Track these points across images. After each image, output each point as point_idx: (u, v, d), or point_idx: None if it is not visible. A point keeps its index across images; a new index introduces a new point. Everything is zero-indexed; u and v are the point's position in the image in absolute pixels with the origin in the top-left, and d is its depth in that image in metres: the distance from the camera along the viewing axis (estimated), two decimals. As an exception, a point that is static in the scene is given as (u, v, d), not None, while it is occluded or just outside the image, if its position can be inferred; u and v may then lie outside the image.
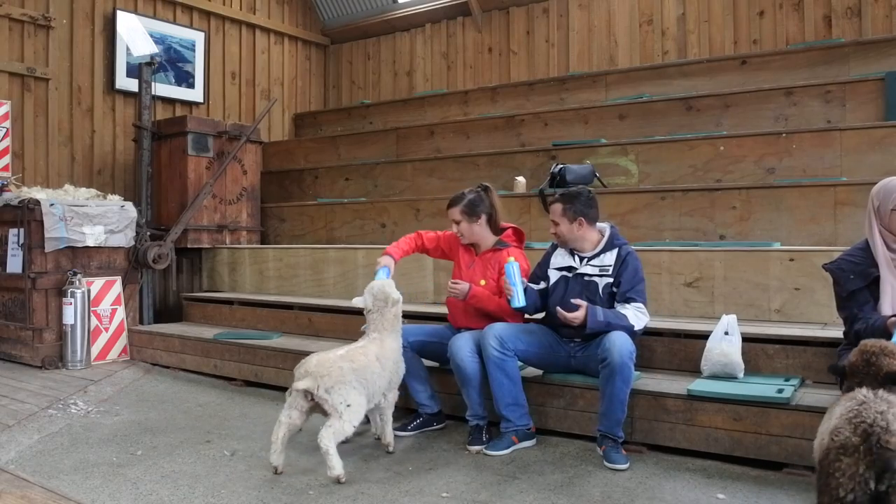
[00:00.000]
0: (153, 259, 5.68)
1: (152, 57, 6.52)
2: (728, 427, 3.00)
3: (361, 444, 3.40)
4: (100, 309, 5.32)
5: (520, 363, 3.34)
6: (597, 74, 6.82)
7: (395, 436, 3.36)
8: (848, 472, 1.79)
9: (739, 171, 4.94)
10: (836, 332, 3.10)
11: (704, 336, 3.42)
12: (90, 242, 5.33)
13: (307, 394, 2.89)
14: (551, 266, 3.47)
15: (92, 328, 5.21)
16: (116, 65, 6.86)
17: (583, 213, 3.35)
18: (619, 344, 3.01)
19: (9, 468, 3.03)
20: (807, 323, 3.69)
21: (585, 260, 3.38)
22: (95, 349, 5.27)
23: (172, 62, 7.37)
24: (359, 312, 3.39)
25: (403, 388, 3.61)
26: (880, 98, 4.96)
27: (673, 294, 4.12)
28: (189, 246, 6.28)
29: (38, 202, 5.09)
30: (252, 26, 8.24)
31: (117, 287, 5.48)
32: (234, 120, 7.64)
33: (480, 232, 3.61)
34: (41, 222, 5.08)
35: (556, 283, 3.42)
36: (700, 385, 3.17)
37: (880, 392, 1.97)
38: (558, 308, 3.26)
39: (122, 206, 5.58)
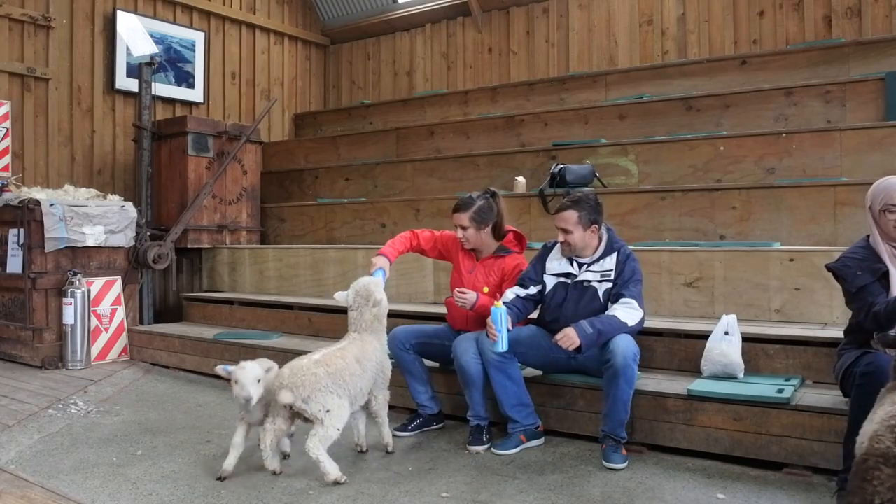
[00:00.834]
0: (153, 259, 5.68)
1: (152, 57, 6.53)
2: (728, 427, 3.00)
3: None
4: (100, 309, 5.32)
5: (520, 364, 3.34)
6: (597, 74, 6.83)
7: (395, 436, 3.35)
8: (888, 483, 1.77)
9: (739, 171, 4.95)
10: (837, 333, 3.09)
11: (704, 336, 3.41)
12: (90, 242, 5.33)
13: (287, 405, 2.84)
14: (547, 272, 3.36)
15: (92, 328, 5.22)
16: (116, 65, 6.86)
17: (595, 220, 3.23)
18: (623, 346, 3.00)
19: (9, 468, 3.03)
20: (807, 323, 3.69)
21: (585, 266, 3.28)
22: (95, 349, 5.27)
23: (172, 62, 7.37)
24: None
25: (404, 388, 3.62)
26: (880, 98, 4.96)
27: (673, 294, 4.12)
28: (189, 246, 6.28)
29: (38, 202, 5.10)
30: (252, 26, 8.24)
31: (117, 287, 5.48)
32: (234, 120, 7.64)
33: (485, 239, 3.58)
34: (41, 222, 5.09)
35: (554, 290, 3.32)
36: (700, 385, 3.17)
37: None
38: (555, 338, 3.10)
39: (122, 207, 5.58)
